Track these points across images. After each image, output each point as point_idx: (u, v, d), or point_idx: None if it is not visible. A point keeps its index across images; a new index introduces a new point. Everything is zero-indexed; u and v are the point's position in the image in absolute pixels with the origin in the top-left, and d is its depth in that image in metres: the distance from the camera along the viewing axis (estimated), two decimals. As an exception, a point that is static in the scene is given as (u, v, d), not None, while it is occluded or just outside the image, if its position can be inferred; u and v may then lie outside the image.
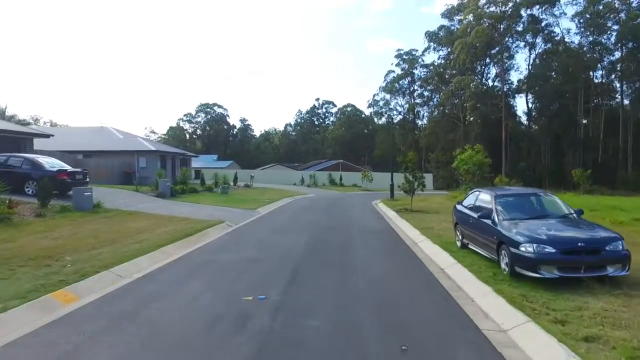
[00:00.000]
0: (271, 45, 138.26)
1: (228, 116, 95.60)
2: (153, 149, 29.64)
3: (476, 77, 51.49)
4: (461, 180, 21.37)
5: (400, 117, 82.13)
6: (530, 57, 52.62)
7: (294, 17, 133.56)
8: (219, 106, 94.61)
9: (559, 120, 53.22)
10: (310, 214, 17.32)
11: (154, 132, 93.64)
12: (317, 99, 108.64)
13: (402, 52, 78.76)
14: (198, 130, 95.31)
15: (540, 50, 51.26)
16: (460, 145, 59.63)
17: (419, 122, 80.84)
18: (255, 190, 30.48)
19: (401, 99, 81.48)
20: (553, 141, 51.38)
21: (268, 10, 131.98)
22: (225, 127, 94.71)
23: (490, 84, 55.03)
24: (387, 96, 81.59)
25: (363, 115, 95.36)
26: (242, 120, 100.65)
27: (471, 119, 52.40)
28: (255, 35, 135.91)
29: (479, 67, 53.75)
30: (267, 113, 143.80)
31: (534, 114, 55.75)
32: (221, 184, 27.85)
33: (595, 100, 50.91)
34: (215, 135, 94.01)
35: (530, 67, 52.31)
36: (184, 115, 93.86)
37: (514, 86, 53.50)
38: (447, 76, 63.70)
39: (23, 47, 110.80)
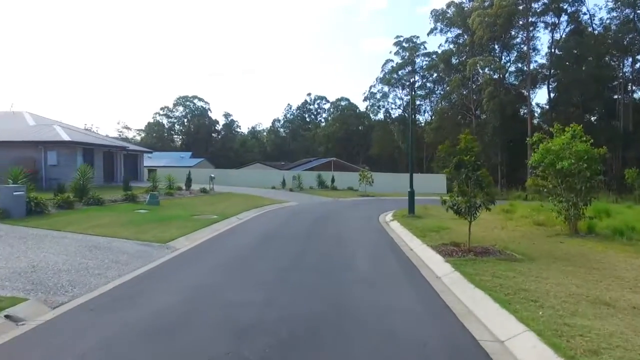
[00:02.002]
0: (260, 41, 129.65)
1: (210, 110, 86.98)
2: (67, 139, 21.03)
3: (494, 59, 43.38)
4: (543, 189, 11.62)
5: (400, 111, 74.26)
6: (556, 35, 44.57)
7: (285, 12, 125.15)
8: (200, 99, 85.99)
9: (591, 111, 45.44)
10: (266, 262, 8.06)
11: (127, 128, 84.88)
12: (309, 94, 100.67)
13: (401, 38, 70.88)
14: (177, 126, 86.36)
15: (568, 29, 43.32)
16: (471, 141, 51.71)
17: (420, 118, 73.06)
18: (212, 197, 22.07)
19: (400, 91, 73.55)
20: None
21: (257, 6, 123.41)
22: (207, 122, 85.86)
23: (512, 68, 46.92)
24: (385, 88, 73.60)
25: (358, 110, 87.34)
26: (226, 116, 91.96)
27: (486, 109, 44.17)
28: (243, 30, 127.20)
29: (497, 48, 45.64)
30: (256, 109, 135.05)
31: (557, 104, 47.89)
32: (165, 189, 19.43)
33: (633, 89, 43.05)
34: (196, 131, 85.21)
35: (553, 49, 44.27)
36: (161, 109, 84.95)
37: (538, 72, 45.24)
38: (455, 61, 55.63)
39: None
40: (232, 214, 15.62)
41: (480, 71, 44.56)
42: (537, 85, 47.28)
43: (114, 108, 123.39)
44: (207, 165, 44.41)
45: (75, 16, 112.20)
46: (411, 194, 14.88)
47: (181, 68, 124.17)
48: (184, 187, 23.45)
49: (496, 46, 45.60)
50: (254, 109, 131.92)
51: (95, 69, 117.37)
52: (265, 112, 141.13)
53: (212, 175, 24.41)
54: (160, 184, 21.71)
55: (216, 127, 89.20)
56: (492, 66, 41.55)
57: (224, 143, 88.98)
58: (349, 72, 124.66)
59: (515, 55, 45.42)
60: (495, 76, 46.22)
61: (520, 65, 46.42)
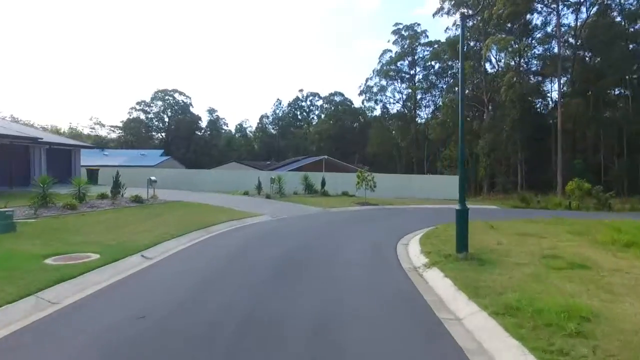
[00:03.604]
0: (249, 33, 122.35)
1: (192, 105, 79.65)
2: None
3: (515, 40, 36.60)
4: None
5: (399, 106, 67.66)
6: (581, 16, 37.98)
7: (276, 6, 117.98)
8: (181, 93, 78.68)
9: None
10: None
11: (100, 124, 77.27)
12: (301, 90, 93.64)
13: (401, 26, 64.25)
14: (155, 122, 78.90)
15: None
16: (483, 136, 45.30)
17: (421, 113, 66.52)
18: (142, 209, 15.02)
19: (399, 84, 66.95)
20: (612, 132, 36.90)
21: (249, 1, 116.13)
22: (189, 118, 78.50)
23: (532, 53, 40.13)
24: (383, 81, 66.97)
25: (353, 106, 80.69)
26: (210, 111, 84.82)
27: (504, 99, 37.45)
28: (230, 23, 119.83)
29: (518, 26, 38.88)
30: (243, 106, 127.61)
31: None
32: (69, 198, 12.36)
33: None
34: (176, 128, 77.84)
35: (579, 31, 37.55)
36: (137, 104, 77.40)
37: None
38: (465, 48, 48.93)
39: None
40: (141, 247, 8.71)
41: (494, 56, 38.02)
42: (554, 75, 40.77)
43: (86, 103, 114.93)
44: (174, 165, 37.44)
45: (43, 3, 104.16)
46: (462, 216, 7.92)
47: (162, 60, 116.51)
48: (109, 194, 16.39)
49: (515, 27, 38.89)
50: (242, 105, 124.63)
51: (65, 59, 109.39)
52: (253, 109, 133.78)
53: (152, 178, 17.38)
54: (93, 189, 14.82)
55: (199, 124, 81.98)
56: (512, 48, 34.82)
57: (207, 141, 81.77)
58: (343, 69, 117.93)
59: (538, 36, 38.78)
60: (512, 63, 39.67)
61: (540, 50, 39.77)
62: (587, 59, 37.84)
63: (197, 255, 9.01)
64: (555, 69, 35.03)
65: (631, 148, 35.69)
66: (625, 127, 34.76)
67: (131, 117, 77.11)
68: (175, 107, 78.51)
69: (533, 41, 38.26)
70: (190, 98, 79.89)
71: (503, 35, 35.38)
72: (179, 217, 13.92)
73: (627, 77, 37.47)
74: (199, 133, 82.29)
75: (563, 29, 37.04)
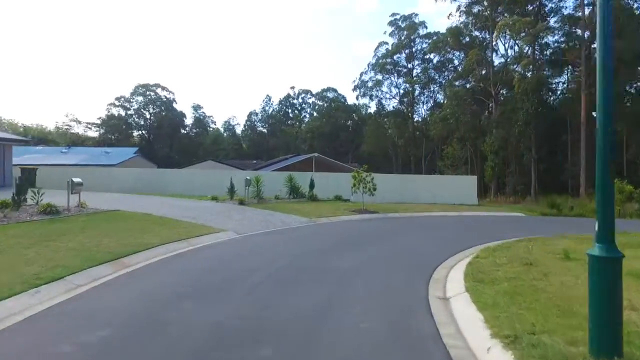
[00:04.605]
0: (237, 28, 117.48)
1: (175, 101, 74.67)
2: None
3: (532, 22, 32.28)
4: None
5: (396, 102, 63.40)
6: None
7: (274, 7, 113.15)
8: (164, 88, 73.65)
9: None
10: None
11: (76, 121, 71.92)
12: (292, 87, 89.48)
13: (397, 16, 60.04)
14: (135, 118, 73.79)
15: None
16: (491, 132, 40.86)
17: (419, 109, 62.39)
18: (43, 228, 10.32)
19: (396, 79, 62.72)
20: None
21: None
22: (172, 115, 73.55)
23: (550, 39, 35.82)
24: (378, 75, 62.69)
25: (347, 103, 76.42)
26: (195, 108, 79.93)
27: (517, 90, 33.22)
28: (217, 17, 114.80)
29: (532, 9, 34.69)
30: (232, 104, 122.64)
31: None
32: None
33: None
34: (158, 125, 72.88)
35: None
36: (116, 99, 72.30)
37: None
38: (466, 39, 44.80)
39: None
40: None
41: (503, 44, 33.84)
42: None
43: (64, 99, 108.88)
44: (142, 164, 32.69)
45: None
46: (607, 275, 3.41)
47: (143, 53, 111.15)
48: (11, 202, 11.70)
49: (529, 9, 34.67)
50: (230, 102, 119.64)
51: (40, 53, 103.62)
52: (242, 106, 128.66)
53: (75, 180, 12.70)
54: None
55: (184, 121, 77.07)
56: (530, 30, 30.46)
57: (192, 139, 76.91)
58: (337, 68, 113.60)
59: (557, 18, 34.51)
60: (527, 50, 35.51)
61: (559, 36, 35.54)
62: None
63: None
64: (578, 54, 30.84)
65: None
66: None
67: (110, 114, 71.97)
68: (158, 102, 73.50)
69: (551, 24, 33.98)
70: (173, 94, 75.05)
71: (518, 17, 31.03)
72: (90, 239, 9.31)
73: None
74: (183, 131, 77.49)
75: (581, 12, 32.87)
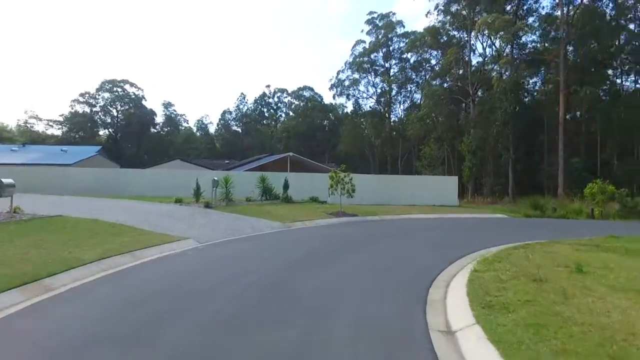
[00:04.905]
0: (212, 24, 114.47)
1: (144, 98, 71.51)
2: None
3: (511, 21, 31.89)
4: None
5: (373, 101, 62.69)
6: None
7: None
8: (132, 84, 70.35)
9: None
10: None
11: (36, 118, 67.64)
12: (268, 86, 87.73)
13: (375, 14, 59.45)
14: (101, 115, 70.17)
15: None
16: (469, 132, 40.34)
17: (396, 109, 61.91)
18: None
19: (373, 78, 62.02)
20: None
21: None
22: (141, 112, 70.34)
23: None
24: (355, 74, 61.82)
25: (323, 102, 75.26)
26: (166, 106, 76.91)
27: (496, 89, 32.81)
28: (193, 12, 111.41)
29: (511, 7, 34.34)
30: (205, 102, 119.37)
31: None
32: None
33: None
34: (126, 123, 69.56)
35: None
36: (81, 96, 68.56)
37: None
38: (444, 38, 44.40)
39: None
40: None
41: (482, 42, 33.41)
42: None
43: (25, 94, 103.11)
44: (103, 163, 30.24)
45: None
46: None
47: (110, 47, 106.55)
48: None
49: (508, 6, 34.33)
50: (203, 100, 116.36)
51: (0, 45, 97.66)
52: (215, 104, 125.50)
53: (5, 181, 10.82)
54: None
55: (154, 119, 73.88)
56: (510, 28, 29.93)
57: (162, 138, 73.88)
58: (313, 67, 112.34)
59: (534, 18, 34.32)
60: (507, 50, 35.21)
61: (535, 37, 35.42)
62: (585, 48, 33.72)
63: None
64: (556, 54, 30.60)
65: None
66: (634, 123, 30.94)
67: (74, 111, 68.09)
68: (126, 99, 70.14)
69: (531, 22, 33.76)
70: (143, 90, 71.96)
71: (498, 15, 30.50)
72: (14, 253, 7.58)
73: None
74: (153, 130, 74.34)
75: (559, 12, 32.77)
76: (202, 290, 6.23)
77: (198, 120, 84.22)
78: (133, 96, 70.47)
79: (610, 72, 37.58)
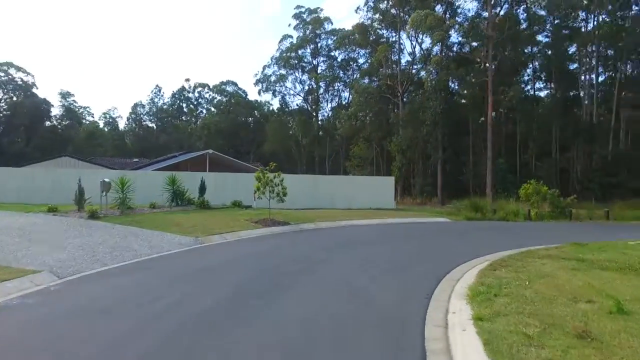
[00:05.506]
0: (126, 8, 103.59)
1: (36, 86, 61.43)
2: None
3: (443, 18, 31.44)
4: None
5: (300, 98, 60.47)
6: None
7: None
8: (19, 69, 59.95)
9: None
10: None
11: None
12: (187, 80, 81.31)
13: (302, 9, 57.41)
14: (-22, 105, 58.68)
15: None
16: (398, 131, 39.71)
17: (323, 107, 60.36)
18: None
19: (300, 74, 59.85)
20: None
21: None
22: (31, 102, 60.11)
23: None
24: (282, 70, 59.17)
25: (248, 99, 71.30)
26: (64, 95, 67.14)
27: (427, 88, 32.28)
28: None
29: (439, 8, 34.06)
30: (115, 94, 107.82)
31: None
32: None
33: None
34: (12, 113, 58.97)
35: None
36: (-49, 80, 56.55)
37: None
38: (371, 36, 43.55)
39: None
40: None
41: (412, 39, 32.73)
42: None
43: None
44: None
45: None
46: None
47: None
48: None
49: (438, 7, 34.03)
50: (112, 93, 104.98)
51: None
52: (126, 97, 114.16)
53: None
54: None
55: (48, 110, 63.69)
56: (441, 27, 29.35)
57: (60, 133, 64.06)
58: (237, 62, 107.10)
59: (462, 18, 34.45)
60: (436, 48, 34.98)
61: (464, 38, 35.71)
62: (505, 52, 34.73)
63: None
64: (485, 54, 30.79)
65: (559, 146, 33.60)
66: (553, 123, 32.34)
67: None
68: (10, 86, 59.59)
69: (460, 21, 33.75)
70: (33, 77, 61.78)
71: (430, 11, 29.76)
72: None
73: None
74: (48, 123, 64.12)
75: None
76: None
77: (104, 114, 75.16)
78: (20, 82, 60.11)
79: (526, 77, 39.58)
